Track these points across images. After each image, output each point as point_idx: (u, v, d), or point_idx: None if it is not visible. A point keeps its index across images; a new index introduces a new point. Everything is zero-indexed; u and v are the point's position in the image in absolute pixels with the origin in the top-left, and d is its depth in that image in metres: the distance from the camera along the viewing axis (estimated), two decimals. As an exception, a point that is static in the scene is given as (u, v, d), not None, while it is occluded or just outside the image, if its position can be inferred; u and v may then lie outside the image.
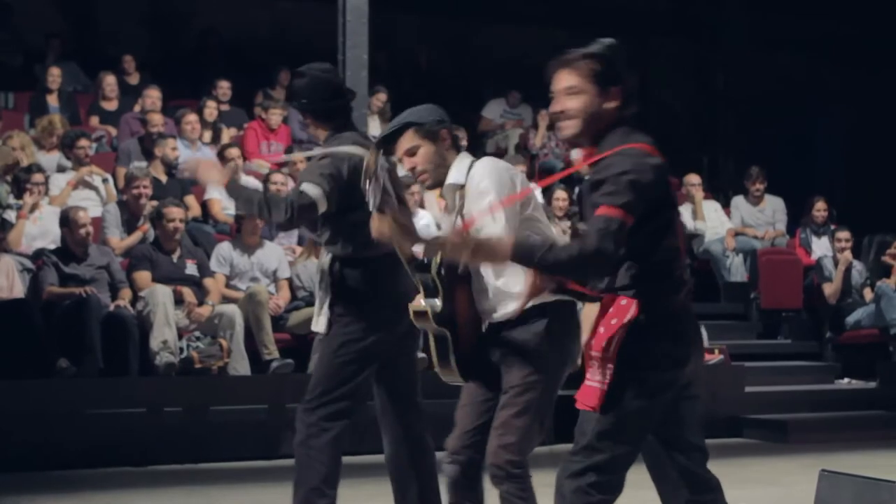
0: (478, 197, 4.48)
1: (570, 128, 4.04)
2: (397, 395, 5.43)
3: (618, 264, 3.97)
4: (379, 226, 4.49)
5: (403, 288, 4.97)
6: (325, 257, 5.40)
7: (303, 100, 5.44)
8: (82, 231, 9.31)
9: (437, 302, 4.53)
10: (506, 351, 4.57)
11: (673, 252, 4.06)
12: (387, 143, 4.72)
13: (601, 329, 4.00)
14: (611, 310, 4.01)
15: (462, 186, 4.57)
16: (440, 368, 4.63)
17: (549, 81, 4.12)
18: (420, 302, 4.57)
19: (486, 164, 4.57)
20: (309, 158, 5.47)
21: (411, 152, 4.62)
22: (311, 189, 5.12)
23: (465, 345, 4.60)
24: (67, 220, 9.38)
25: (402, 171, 4.87)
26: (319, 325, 5.35)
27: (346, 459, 5.32)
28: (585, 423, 4.01)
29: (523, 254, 3.84)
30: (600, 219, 3.81)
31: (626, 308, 3.96)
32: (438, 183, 4.66)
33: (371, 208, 4.81)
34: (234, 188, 5.29)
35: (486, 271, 4.57)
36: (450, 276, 4.55)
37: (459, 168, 4.61)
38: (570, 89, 4.02)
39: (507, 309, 4.55)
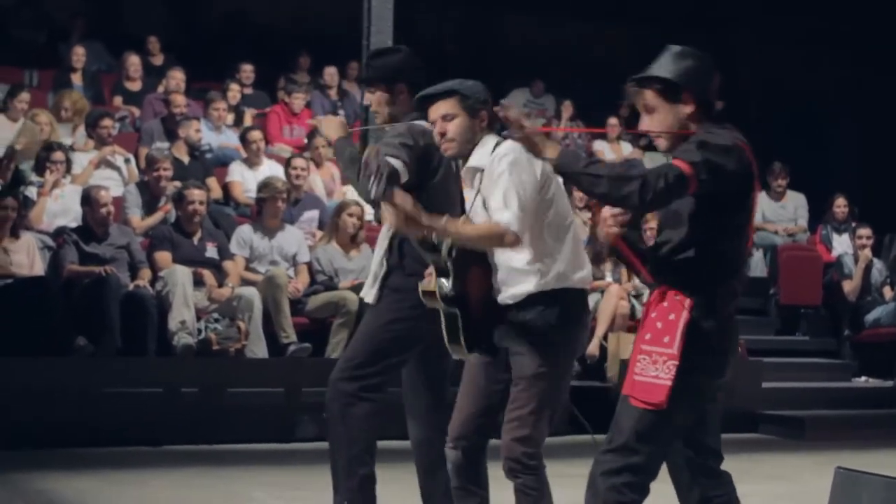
0: (496, 178, 4.51)
1: None
2: (431, 381, 5.38)
3: (685, 249, 3.98)
4: (387, 213, 4.50)
5: None
6: (386, 231, 5.33)
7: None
8: (103, 210, 9.33)
9: (446, 282, 4.55)
10: (516, 337, 4.56)
11: (740, 258, 4.05)
12: (426, 102, 4.74)
13: (658, 324, 3.95)
14: (665, 303, 3.97)
15: (482, 170, 4.58)
16: (449, 345, 4.63)
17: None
18: (429, 281, 4.60)
19: (507, 147, 4.56)
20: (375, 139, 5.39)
21: (447, 118, 4.65)
22: (393, 161, 5.01)
23: (475, 322, 4.59)
24: (89, 199, 9.40)
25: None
26: (371, 296, 5.30)
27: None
28: (623, 419, 3.98)
29: (570, 157, 3.90)
30: (668, 164, 3.86)
31: (682, 304, 3.92)
32: (460, 155, 4.70)
33: (373, 196, 4.83)
34: (341, 146, 5.25)
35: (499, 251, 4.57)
36: (462, 257, 4.55)
37: (483, 150, 4.64)
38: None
39: (516, 290, 4.55)
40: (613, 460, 3.96)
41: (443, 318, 4.62)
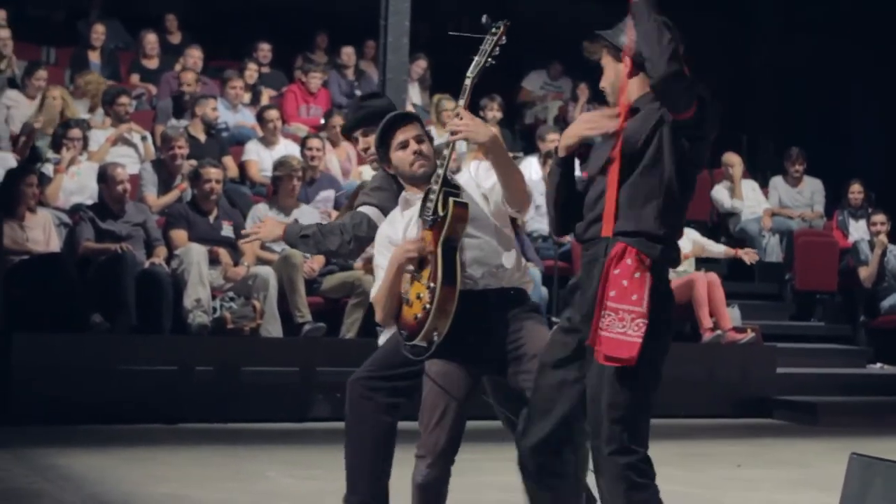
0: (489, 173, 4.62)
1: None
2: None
3: (648, 202, 4.01)
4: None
5: None
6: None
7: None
8: (119, 188, 9.35)
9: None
10: (516, 319, 4.55)
11: (678, 231, 4.10)
12: (392, 127, 4.77)
13: (623, 281, 3.92)
14: (628, 260, 3.95)
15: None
16: (444, 287, 4.41)
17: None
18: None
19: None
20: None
21: (420, 139, 4.75)
22: (364, 208, 5.00)
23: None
24: (105, 177, 9.42)
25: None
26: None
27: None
28: (613, 395, 3.94)
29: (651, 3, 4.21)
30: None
31: (644, 263, 3.92)
32: (430, 174, 4.64)
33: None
34: (291, 234, 5.11)
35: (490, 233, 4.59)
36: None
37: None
38: None
39: (504, 261, 4.58)
40: (612, 440, 3.93)
41: (441, 255, 4.43)
